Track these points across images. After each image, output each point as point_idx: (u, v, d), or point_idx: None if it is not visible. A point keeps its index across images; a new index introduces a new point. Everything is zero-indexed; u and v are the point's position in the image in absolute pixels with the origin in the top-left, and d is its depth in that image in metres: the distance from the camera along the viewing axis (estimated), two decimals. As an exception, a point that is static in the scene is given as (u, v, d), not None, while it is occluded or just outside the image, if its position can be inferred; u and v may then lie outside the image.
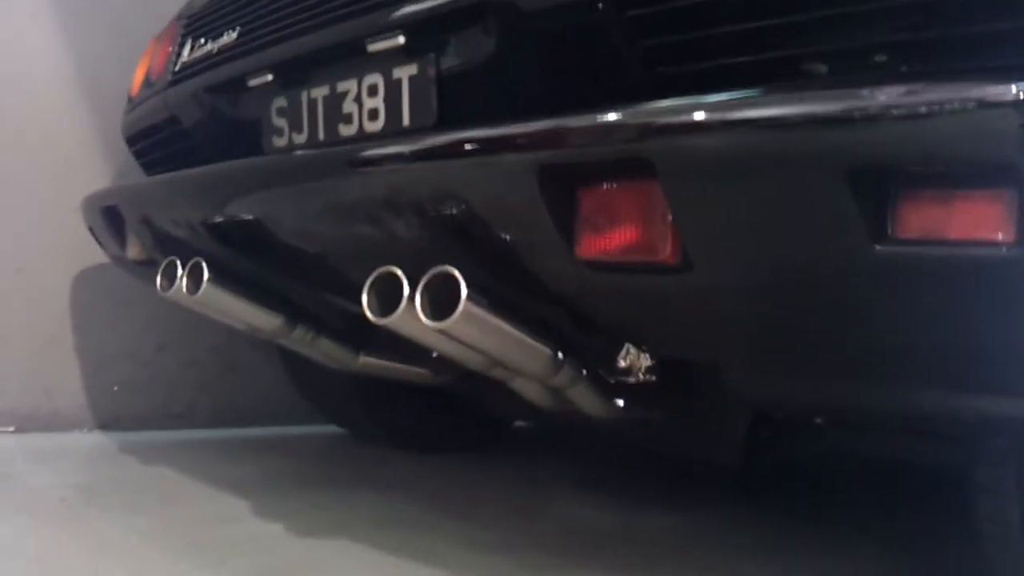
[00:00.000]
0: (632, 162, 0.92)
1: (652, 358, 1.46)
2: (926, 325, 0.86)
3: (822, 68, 0.94)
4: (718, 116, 0.86)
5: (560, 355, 1.27)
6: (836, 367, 1.01)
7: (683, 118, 0.88)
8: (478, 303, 1.15)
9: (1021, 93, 0.73)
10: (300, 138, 1.52)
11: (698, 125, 0.87)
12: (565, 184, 1.01)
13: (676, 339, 1.17)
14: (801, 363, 1.05)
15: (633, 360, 1.47)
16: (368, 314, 1.23)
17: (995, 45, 0.80)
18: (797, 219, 0.84)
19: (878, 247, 0.79)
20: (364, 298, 1.23)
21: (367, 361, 1.83)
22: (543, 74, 1.20)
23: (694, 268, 0.93)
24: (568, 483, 2.21)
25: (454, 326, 1.15)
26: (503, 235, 1.14)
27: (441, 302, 1.16)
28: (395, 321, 1.19)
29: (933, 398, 0.99)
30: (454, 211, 1.16)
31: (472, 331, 1.19)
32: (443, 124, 1.27)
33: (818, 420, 1.44)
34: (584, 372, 1.31)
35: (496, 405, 2.09)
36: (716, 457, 1.56)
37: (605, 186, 0.98)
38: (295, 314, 1.74)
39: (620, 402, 1.38)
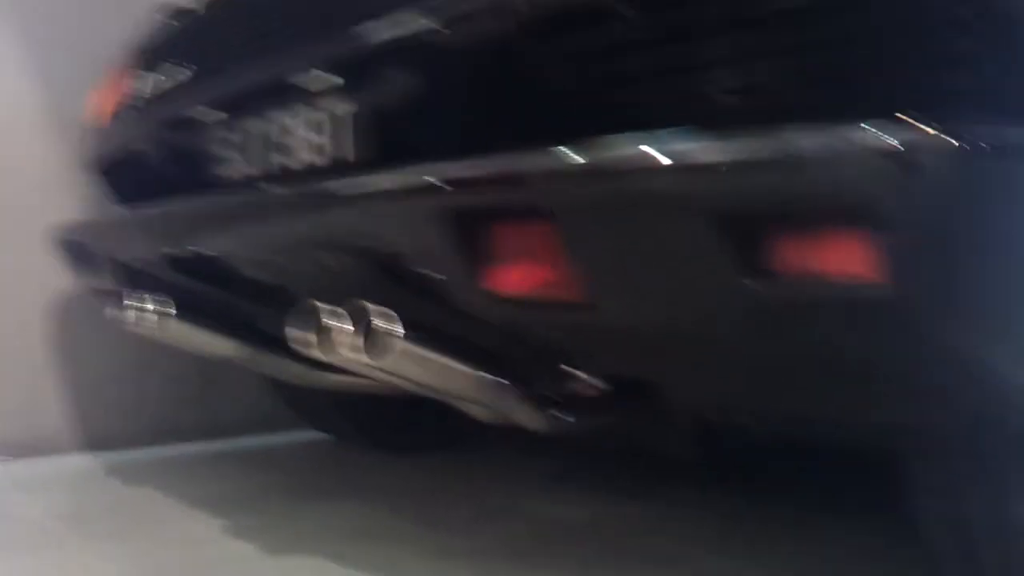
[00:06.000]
0: (529, 207, 0.96)
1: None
2: (806, 352, 0.90)
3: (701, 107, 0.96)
4: (599, 164, 0.89)
5: (502, 380, 1.30)
6: (742, 390, 1.05)
7: (568, 165, 0.91)
8: (416, 340, 1.19)
9: (878, 139, 0.75)
10: (238, 172, 1.56)
11: (582, 172, 0.90)
12: (476, 226, 1.04)
13: (605, 364, 1.21)
14: (712, 385, 1.09)
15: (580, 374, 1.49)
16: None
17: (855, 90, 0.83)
18: (678, 261, 0.88)
19: (749, 283, 0.82)
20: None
21: (339, 379, 1.87)
22: (466, 112, 1.22)
23: (597, 306, 0.97)
24: (539, 479, 2.26)
25: (393, 363, 1.19)
26: (431, 274, 1.18)
27: (378, 339, 1.19)
28: (337, 358, 1.23)
29: (832, 411, 1.03)
30: (380, 249, 1.19)
31: (412, 367, 1.22)
32: (367, 163, 1.30)
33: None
34: (527, 393, 1.34)
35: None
36: (669, 451, 1.61)
37: (512, 229, 1.02)
38: (264, 341, 1.77)
39: (566, 416, 1.41)
